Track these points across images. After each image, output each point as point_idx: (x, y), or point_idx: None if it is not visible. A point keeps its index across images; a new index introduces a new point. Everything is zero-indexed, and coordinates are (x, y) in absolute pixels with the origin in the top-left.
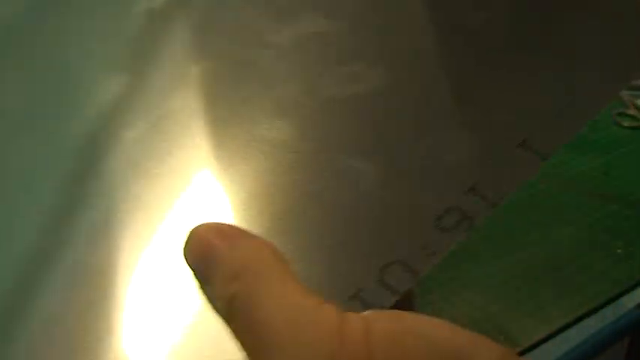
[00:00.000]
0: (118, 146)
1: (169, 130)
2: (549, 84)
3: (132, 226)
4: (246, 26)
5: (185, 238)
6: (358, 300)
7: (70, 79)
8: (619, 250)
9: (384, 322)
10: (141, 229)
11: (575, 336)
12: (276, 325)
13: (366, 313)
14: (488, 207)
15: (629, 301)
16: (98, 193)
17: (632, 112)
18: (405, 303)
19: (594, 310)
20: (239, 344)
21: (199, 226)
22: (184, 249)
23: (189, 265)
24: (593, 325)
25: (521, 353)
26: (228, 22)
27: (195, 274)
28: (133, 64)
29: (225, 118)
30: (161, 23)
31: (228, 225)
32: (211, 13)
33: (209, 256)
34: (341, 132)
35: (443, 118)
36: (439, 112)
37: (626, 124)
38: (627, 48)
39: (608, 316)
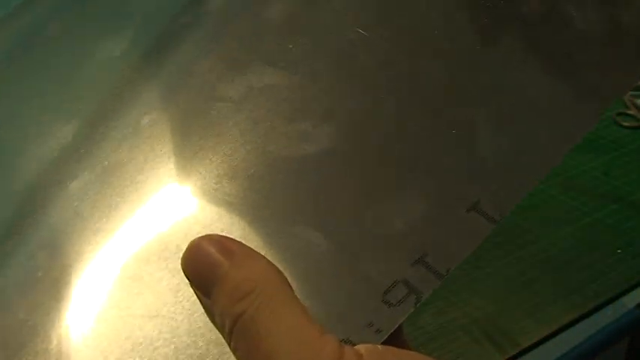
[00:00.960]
0: (62, 197)
1: (115, 183)
2: (498, 140)
3: (73, 280)
4: (199, 76)
5: (187, 249)
6: None
7: (22, 125)
8: (619, 250)
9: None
10: (83, 282)
11: (576, 336)
12: (279, 356)
13: (362, 347)
14: (435, 279)
15: (630, 301)
16: (39, 244)
17: (632, 112)
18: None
19: (594, 310)
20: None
21: (201, 238)
22: (184, 259)
23: (188, 276)
24: (593, 325)
25: (521, 353)
26: (181, 71)
27: (194, 286)
28: (85, 111)
29: (172, 174)
30: (117, 71)
31: (232, 240)
32: (165, 62)
33: (212, 270)
34: (289, 197)
35: (392, 183)
36: (388, 177)
37: (626, 123)
38: (575, 106)
39: (609, 315)
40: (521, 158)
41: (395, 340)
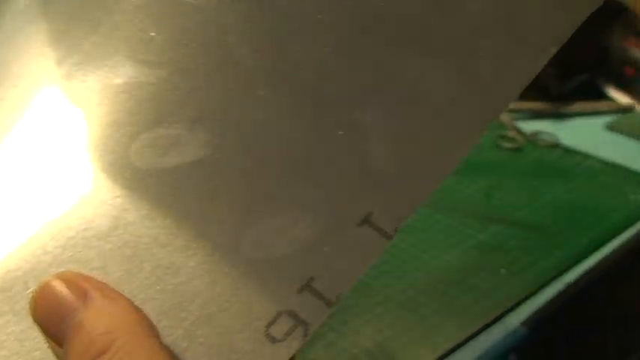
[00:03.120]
0: None
1: None
2: (390, 142)
3: None
4: (43, 71)
5: (36, 289)
6: None
7: None
8: (503, 270)
9: None
10: None
11: (464, 357)
12: None
13: None
14: (325, 307)
15: (515, 319)
16: None
17: (512, 134)
18: None
19: (481, 330)
20: None
21: (53, 276)
22: (33, 302)
23: (37, 322)
24: (480, 345)
25: None
26: (23, 65)
27: (45, 334)
28: None
29: (20, 196)
30: None
31: (88, 278)
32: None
33: (65, 317)
34: (157, 217)
35: (273, 197)
36: (268, 190)
37: (506, 145)
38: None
39: (495, 334)
40: (415, 163)
41: None
